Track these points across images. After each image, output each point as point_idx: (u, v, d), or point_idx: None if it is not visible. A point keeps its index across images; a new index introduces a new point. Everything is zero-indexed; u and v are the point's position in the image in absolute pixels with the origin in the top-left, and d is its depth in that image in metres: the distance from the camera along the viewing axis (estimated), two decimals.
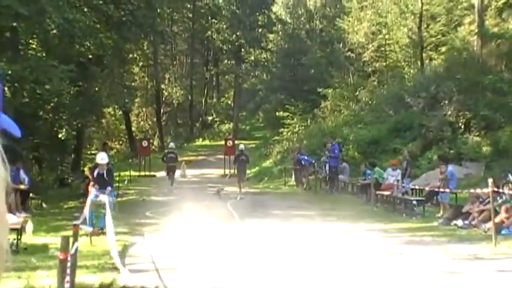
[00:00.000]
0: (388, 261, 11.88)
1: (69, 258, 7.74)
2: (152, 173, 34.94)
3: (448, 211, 18.35)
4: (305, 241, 14.19)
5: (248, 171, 37.00)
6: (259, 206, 19.51)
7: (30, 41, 25.99)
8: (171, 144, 33.33)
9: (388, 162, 25.52)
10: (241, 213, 19.12)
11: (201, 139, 56.52)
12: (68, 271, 7.71)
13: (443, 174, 20.56)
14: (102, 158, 16.54)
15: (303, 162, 29.28)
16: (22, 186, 19.98)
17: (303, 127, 41.70)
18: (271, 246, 13.58)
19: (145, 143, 38.78)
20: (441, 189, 19.82)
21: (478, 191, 16.63)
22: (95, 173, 16.20)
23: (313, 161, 29.05)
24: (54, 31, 25.20)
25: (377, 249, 13.17)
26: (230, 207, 21.24)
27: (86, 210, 14.97)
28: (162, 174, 33.73)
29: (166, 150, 33.19)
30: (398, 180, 22.36)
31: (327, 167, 27.83)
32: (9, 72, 21.01)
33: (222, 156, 37.17)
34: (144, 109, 61.82)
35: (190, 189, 28.41)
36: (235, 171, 29.32)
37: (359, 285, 9.80)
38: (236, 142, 39.31)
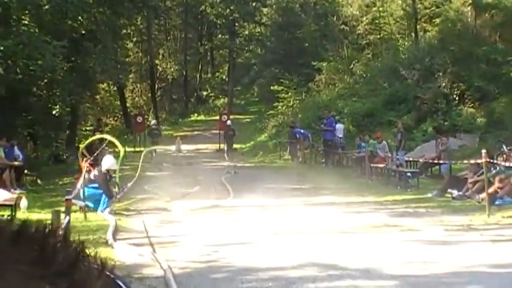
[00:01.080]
0: (382, 233, 11.91)
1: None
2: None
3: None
4: (299, 215, 14.22)
5: (243, 146, 37.04)
6: (253, 181, 19.50)
7: (23, 16, 25.72)
8: (153, 122, 35.02)
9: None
10: (236, 188, 19.12)
11: (196, 114, 56.40)
12: None
13: (444, 146, 20.61)
14: (112, 163, 16.39)
15: (298, 136, 29.24)
16: (16, 163, 19.95)
17: (297, 101, 41.58)
18: (266, 220, 13.60)
19: (140, 119, 38.65)
20: (441, 161, 19.88)
21: (472, 161, 16.65)
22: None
23: (309, 135, 29.01)
24: (47, 6, 25.00)
25: (371, 221, 13.19)
26: (225, 182, 21.26)
27: (79, 185, 14.94)
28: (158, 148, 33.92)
29: (149, 127, 33.71)
30: (386, 152, 22.41)
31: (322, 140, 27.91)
32: (1, 48, 20.88)
33: (217, 131, 37.11)
34: (138, 85, 61.55)
35: (186, 164, 28.41)
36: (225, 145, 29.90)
37: (353, 257, 9.82)
38: (231, 117, 39.23)
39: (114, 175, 16.44)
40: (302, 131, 29.45)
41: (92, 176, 15.55)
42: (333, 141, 27.55)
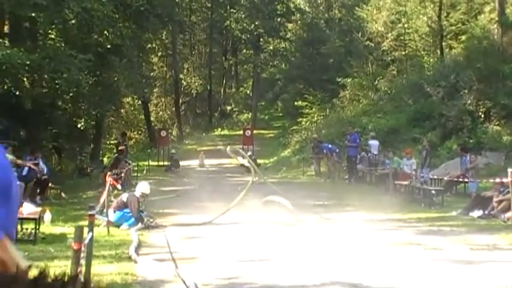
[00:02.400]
0: (406, 251, 11.80)
1: (83, 248, 7.72)
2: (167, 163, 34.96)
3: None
4: (322, 231, 14.14)
5: (266, 161, 36.99)
6: (276, 195, 19.42)
7: (49, 30, 26.02)
8: (173, 151, 35.68)
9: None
10: (258, 204, 19.06)
11: (219, 129, 56.46)
12: (83, 261, 7.71)
13: (473, 164, 20.46)
14: (146, 187, 16.20)
15: (325, 151, 29.07)
16: (41, 176, 20.07)
17: (321, 117, 41.55)
18: (288, 237, 13.55)
19: (163, 133, 38.78)
20: (467, 179, 19.74)
21: (498, 180, 16.49)
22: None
23: (337, 150, 28.88)
24: (73, 21, 25.23)
25: (395, 239, 13.08)
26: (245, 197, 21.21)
27: (102, 200, 14.98)
28: (182, 163, 34.10)
29: (170, 156, 34.70)
30: (414, 170, 22.25)
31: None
32: (28, 62, 21.07)
33: (241, 146, 37.12)
34: (162, 99, 61.82)
35: (208, 178, 28.41)
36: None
37: (377, 276, 9.73)
38: (255, 132, 39.22)
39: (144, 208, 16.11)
40: (330, 146, 29.33)
41: (124, 199, 15.41)
42: (356, 157, 27.45)
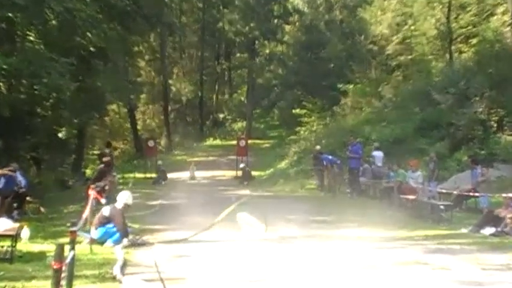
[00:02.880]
0: (412, 271, 11.77)
1: (64, 268, 7.67)
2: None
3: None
4: (322, 249, 14.10)
5: (262, 173, 36.95)
6: (273, 211, 19.38)
7: (28, 32, 25.95)
8: (160, 162, 35.34)
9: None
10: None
11: (211, 138, 56.51)
12: (64, 282, 7.66)
13: (484, 177, 20.42)
14: (128, 197, 15.95)
15: (325, 163, 29.02)
16: (18, 189, 19.99)
17: (321, 126, 41.57)
18: (284, 254, 13.50)
19: (151, 143, 38.73)
20: (478, 193, 19.71)
21: (511, 195, 16.48)
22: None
23: (338, 161, 28.86)
24: (54, 21, 25.19)
25: (401, 258, 13.05)
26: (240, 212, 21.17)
27: (85, 215, 14.89)
28: (171, 175, 34.08)
29: (157, 167, 34.60)
30: (421, 183, 22.21)
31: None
32: (5, 66, 20.99)
33: (235, 157, 37.08)
34: (150, 106, 61.93)
35: (200, 191, 28.36)
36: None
37: None
38: (249, 142, 39.21)
39: (130, 225, 16.06)
40: (330, 157, 29.28)
41: (106, 213, 15.23)
42: (358, 169, 27.41)
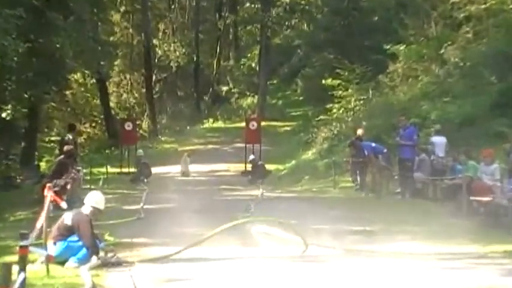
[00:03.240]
0: None
1: None
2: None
3: None
4: (364, 270, 14.10)
5: (280, 167, 36.99)
6: (295, 218, 19.41)
7: None
8: (140, 151, 35.80)
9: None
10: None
11: (211, 120, 56.59)
12: None
13: None
14: (98, 199, 15.81)
15: (366, 153, 29.00)
16: None
17: (361, 101, 41.52)
18: (313, 277, 13.52)
19: (129, 126, 38.85)
20: None
21: None
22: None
23: (385, 150, 28.81)
24: None
25: (471, 282, 13.05)
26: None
27: (39, 225, 14.88)
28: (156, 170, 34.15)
29: (137, 159, 34.71)
30: (497, 180, 22.14)
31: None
32: None
33: (243, 145, 37.14)
34: (127, 76, 62.00)
35: (195, 192, 28.44)
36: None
37: None
38: (263, 124, 39.21)
39: (102, 240, 16.04)
40: (373, 145, 29.20)
41: (68, 221, 15.10)
42: (412, 161, 27.32)
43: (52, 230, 14.88)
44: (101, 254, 14.68)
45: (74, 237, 14.51)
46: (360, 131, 30.97)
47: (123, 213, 22.21)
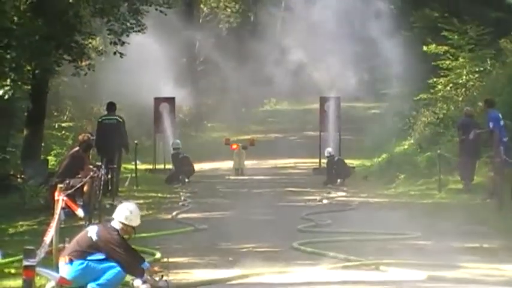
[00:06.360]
0: None
1: None
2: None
3: None
4: None
5: (365, 163, 36.99)
6: (386, 229, 19.45)
7: None
8: (177, 142, 35.92)
9: None
10: (351, 245, 19.10)
11: (273, 100, 56.65)
12: None
13: None
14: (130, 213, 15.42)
15: (491, 125, 28.70)
16: None
17: (477, 75, 41.25)
18: None
19: (165, 107, 38.95)
20: None
21: None
22: None
23: (506, 139, 28.58)
24: None
25: None
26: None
27: (49, 239, 14.96)
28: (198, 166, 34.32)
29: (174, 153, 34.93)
30: None
31: None
32: None
33: (316, 134, 37.19)
34: None
35: (253, 196, 28.57)
36: None
37: None
38: (343, 104, 39.18)
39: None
40: (502, 120, 28.81)
41: (92, 235, 14.79)
42: None
43: (66, 245, 14.74)
44: (145, 276, 14.41)
45: (98, 255, 14.22)
46: (468, 108, 30.80)
47: (159, 224, 22.39)
